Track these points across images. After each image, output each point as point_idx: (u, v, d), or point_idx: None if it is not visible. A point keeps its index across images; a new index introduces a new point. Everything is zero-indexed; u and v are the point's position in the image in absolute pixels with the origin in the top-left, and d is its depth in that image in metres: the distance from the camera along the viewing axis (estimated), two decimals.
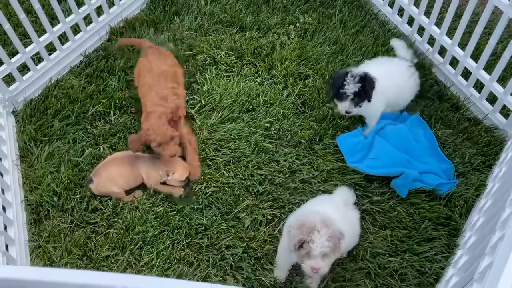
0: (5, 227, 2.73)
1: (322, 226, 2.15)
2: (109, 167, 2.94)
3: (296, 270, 2.71)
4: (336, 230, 2.20)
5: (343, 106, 3.04)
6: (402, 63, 3.29)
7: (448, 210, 2.95)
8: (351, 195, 2.80)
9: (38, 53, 3.46)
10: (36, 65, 3.48)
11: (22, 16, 3.20)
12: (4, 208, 2.82)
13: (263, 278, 2.66)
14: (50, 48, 3.56)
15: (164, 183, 2.98)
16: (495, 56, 3.47)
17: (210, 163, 3.13)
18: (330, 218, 2.22)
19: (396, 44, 3.61)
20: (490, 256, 1.90)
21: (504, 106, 3.25)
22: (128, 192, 3.00)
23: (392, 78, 3.16)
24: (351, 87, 2.95)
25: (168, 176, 2.94)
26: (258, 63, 3.68)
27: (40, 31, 3.53)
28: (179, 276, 2.65)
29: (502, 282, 1.47)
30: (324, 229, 2.14)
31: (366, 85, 2.97)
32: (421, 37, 3.73)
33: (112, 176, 2.91)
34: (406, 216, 2.91)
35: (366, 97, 3.00)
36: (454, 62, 3.53)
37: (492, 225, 2.22)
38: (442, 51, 3.60)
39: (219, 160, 3.13)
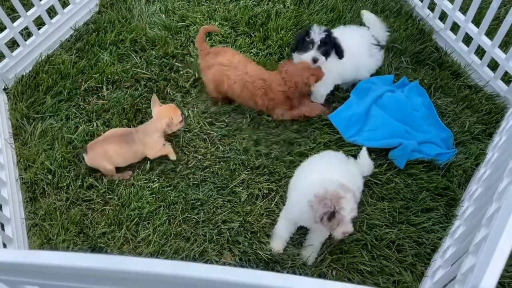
0: (1, 206, 2.73)
1: (345, 191, 2.22)
2: (106, 144, 2.87)
3: (293, 242, 2.71)
4: (353, 190, 2.28)
5: (309, 54, 2.94)
6: (364, 35, 3.15)
7: (447, 180, 2.92)
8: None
9: (27, 28, 3.37)
10: (26, 40, 3.40)
11: None
12: None
13: (260, 252, 2.65)
14: (39, 23, 3.47)
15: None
16: (498, 20, 3.35)
17: (205, 137, 3.09)
18: (344, 184, 2.29)
19: (368, 18, 3.21)
20: (485, 228, 1.87)
21: (506, 73, 3.17)
22: (124, 169, 2.98)
23: (350, 50, 3.05)
24: (317, 35, 2.91)
25: (172, 122, 2.90)
26: (253, 33, 3.57)
27: (28, 5, 3.43)
28: (176, 252, 2.65)
29: (496, 255, 1.44)
30: (348, 194, 2.20)
31: (333, 39, 2.94)
32: (422, 2, 3.60)
33: (108, 154, 2.85)
34: (404, 187, 2.88)
35: (335, 48, 2.96)
36: (455, 28, 3.42)
37: (489, 195, 2.19)
38: (443, 17, 3.48)
39: (214, 134, 3.09)
